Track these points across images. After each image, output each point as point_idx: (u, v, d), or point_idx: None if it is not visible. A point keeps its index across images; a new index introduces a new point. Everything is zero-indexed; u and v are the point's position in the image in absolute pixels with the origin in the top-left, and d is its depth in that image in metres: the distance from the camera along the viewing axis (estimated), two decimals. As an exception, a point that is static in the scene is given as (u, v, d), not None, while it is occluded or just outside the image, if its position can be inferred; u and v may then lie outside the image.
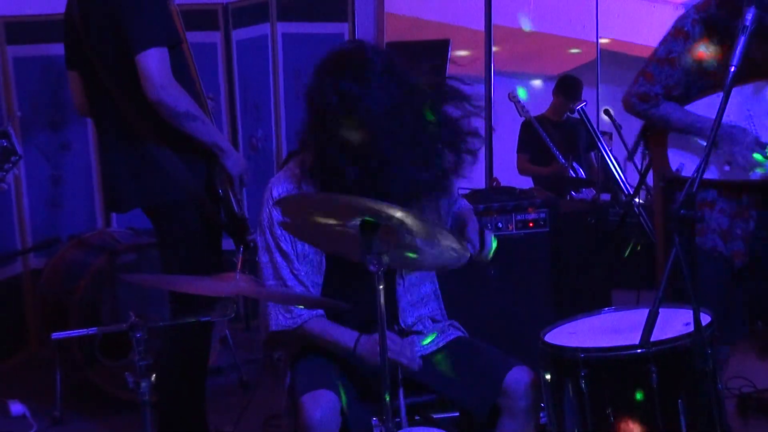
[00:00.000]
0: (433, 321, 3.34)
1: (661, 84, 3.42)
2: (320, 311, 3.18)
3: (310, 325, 3.15)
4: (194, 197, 3.76)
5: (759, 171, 3.29)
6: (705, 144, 3.32)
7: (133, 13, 3.63)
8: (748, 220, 3.35)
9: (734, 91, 3.30)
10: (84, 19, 3.77)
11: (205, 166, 3.79)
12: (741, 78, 3.33)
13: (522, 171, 7.43)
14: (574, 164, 7.20)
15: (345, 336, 3.12)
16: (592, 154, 7.35)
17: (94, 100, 3.88)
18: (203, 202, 3.78)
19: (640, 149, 4.79)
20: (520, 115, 7.13)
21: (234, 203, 3.87)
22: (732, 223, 3.38)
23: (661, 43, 3.47)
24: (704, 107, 3.39)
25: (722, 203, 3.37)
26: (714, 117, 3.29)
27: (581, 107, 5.69)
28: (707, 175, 3.35)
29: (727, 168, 3.33)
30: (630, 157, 5.31)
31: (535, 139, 7.16)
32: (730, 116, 3.34)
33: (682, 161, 3.43)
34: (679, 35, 3.42)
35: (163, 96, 3.60)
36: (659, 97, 3.42)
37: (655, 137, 3.52)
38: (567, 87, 7.27)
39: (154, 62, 3.60)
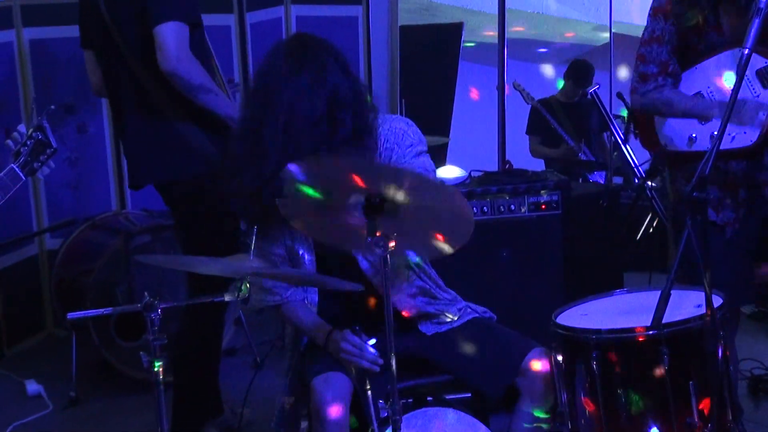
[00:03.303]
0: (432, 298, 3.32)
1: (655, 63, 3.43)
2: (297, 297, 3.19)
3: (286, 311, 3.20)
4: (209, 168, 3.77)
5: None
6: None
7: None
8: (737, 188, 3.35)
9: (705, 64, 3.35)
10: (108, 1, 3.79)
11: (222, 137, 3.81)
12: (710, 51, 3.35)
13: (534, 153, 7.43)
14: (584, 147, 7.17)
15: (317, 330, 3.13)
16: (605, 135, 7.33)
17: (111, 77, 3.90)
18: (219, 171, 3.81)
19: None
20: (527, 102, 7.10)
21: None
22: (722, 193, 3.39)
23: (645, 28, 3.48)
24: (682, 84, 3.41)
25: (713, 175, 3.38)
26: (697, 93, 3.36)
27: (594, 90, 5.68)
28: (698, 147, 3.36)
29: (708, 139, 3.34)
30: (626, 139, 5.30)
31: (544, 122, 7.15)
32: (709, 88, 3.37)
33: (670, 136, 3.43)
34: (658, 13, 3.43)
35: (178, 67, 3.62)
36: (657, 77, 3.43)
37: (643, 119, 3.52)
38: (577, 71, 7.25)
39: (171, 34, 3.62)
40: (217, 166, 3.77)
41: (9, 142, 3.12)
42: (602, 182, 6.65)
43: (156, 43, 3.61)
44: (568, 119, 7.19)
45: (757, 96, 3.29)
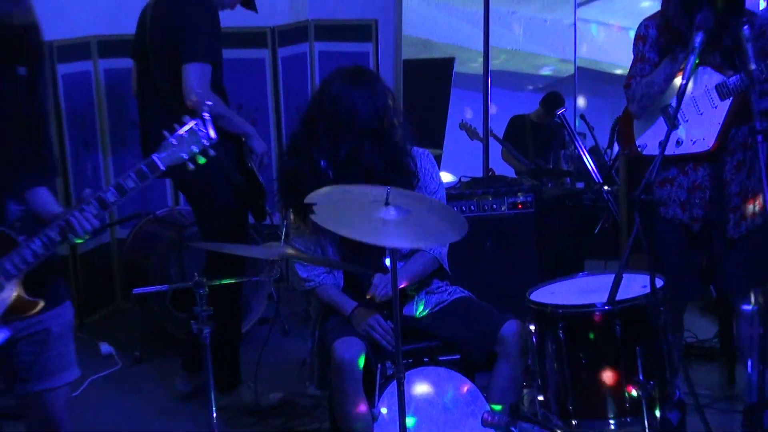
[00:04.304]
0: (428, 293, 3.33)
1: (639, 75, 3.40)
2: (327, 281, 3.22)
3: (319, 289, 3.22)
4: (223, 170, 3.78)
5: None
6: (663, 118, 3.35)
7: (190, 30, 3.69)
8: (705, 190, 3.33)
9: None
10: (153, 27, 3.83)
11: (235, 145, 3.83)
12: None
13: (504, 157, 7.19)
14: (539, 162, 6.97)
15: (345, 305, 3.17)
16: (562, 152, 7.18)
17: (144, 86, 3.94)
18: (232, 173, 3.81)
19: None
20: (471, 138, 6.71)
21: (258, 174, 3.91)
22: (690, 195, 3.36)
23: (633, 51, 3.47)
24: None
25: (681, 179, 3.36)
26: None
27: (562, 113, 5.66)
28: (666, 151, 3.30)
29: (675, 144, 3.31)
30: (610, 145, 5.23)
31: (516, 135, 6.99)
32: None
33: (645, 142, 3.40)
34: (639, 40, 3.41)
35: (198, 103, 3.62)
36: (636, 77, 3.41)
37: (624, 126, 3.49)
38: (549, 102, 7.07)
39: (195, 74, 3.65)
40: (223, 166, 3.81)
41: (164, 132, 2.62)
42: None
43: (182, 78, 3.64)
44: (535, 136, 7.04)
45: (715, 106, 3.26)
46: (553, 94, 7.17)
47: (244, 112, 5.47)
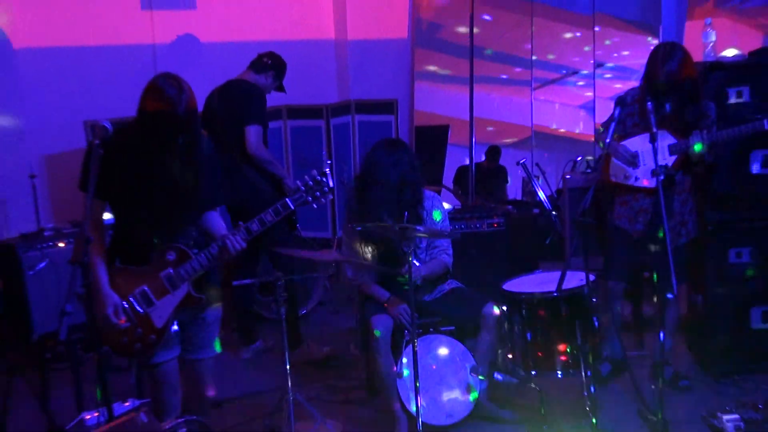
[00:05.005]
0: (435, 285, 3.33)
1: (605, 126, 3.36)
2: (368, 280, 3.20)
3: (363, 285, 3.22)
4: (271, 197, 3.81)
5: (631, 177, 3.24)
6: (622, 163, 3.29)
7: (249, 104, 3.87)
8: (647, 213, 3.30)
9: (642, 136, 3.22)
10: (222, 103, 3.96)
11: (277, 180, 3.94)
12: (645, 129, 3.21)
13: (455, 194, 7.03)
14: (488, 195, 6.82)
15: (382, 295, 3.16)
16: (507, 186, 7.03)
17: (214, 145, 3.97)
18: (277, 198, 3.84)
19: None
20: (452, 193, 6.33)
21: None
22: (636, 215, 3.33)
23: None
24: (636, 142, 3.31)
25: (631, 202, 3.34)
26: (629, 146, 3.28)
27: (523, 162, 5.59)
28: (630, 182, 3.28)
29: (634, 179, 3.29)
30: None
31: (462, 180, 6.87)
32: (640, 146, 3.26)
33: (615, 171, 3.34)
34: (619, 103, 3.37)
35: (257, 153, 3.82)
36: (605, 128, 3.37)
37: (606, 159, 3.43)
38: (490, 153, 6.94)
39: (254, 133, 3.83)
40: (270, 194, 3.84)
41: (297, 182, 2.56)
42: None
43: (245, 136, 3.80)
44: (483, 178, 6.91)
45: (665, 161, 3.18)
46: (494, 148, 7.02)
47: (307, 163, 5.50)
